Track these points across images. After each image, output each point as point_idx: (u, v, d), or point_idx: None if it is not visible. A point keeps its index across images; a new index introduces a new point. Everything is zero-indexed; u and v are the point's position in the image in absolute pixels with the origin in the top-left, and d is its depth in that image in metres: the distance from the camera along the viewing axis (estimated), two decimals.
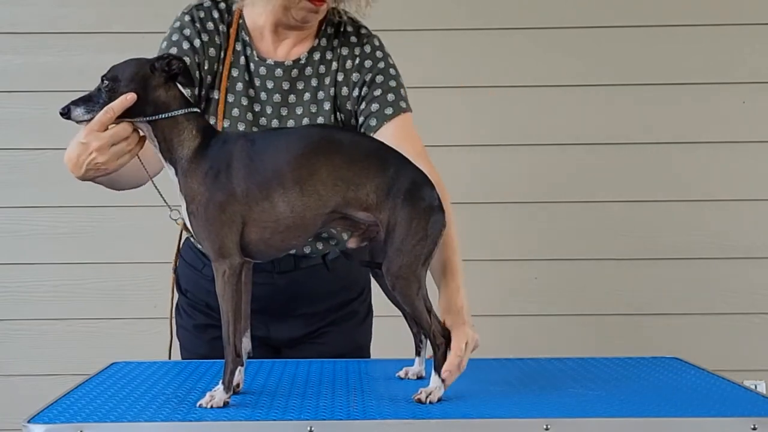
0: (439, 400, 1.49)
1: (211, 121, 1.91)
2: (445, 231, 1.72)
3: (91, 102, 1.50)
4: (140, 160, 1.60)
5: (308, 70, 1.96)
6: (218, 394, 1.46)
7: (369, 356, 2.14)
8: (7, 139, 3.08)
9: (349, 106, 1.95)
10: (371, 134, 1.91)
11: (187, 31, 1.92)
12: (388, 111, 1.92)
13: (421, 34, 3.06)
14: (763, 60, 3.10)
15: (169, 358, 2.04)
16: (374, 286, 2.17)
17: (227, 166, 1.48)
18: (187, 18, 1.93)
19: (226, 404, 1.45)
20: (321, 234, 1.96)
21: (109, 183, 1.76)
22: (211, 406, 1.44)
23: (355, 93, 1.94)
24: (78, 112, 1.50)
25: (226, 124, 1.91)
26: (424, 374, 1.66)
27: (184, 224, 1.62)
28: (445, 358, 1.51)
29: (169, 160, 1.51)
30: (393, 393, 1.56)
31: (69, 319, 3.10)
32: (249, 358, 1.61)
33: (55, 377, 3.01)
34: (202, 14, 1.94)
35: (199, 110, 1.54)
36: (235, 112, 1.92)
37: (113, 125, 1.52)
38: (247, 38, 1.95)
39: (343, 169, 1.50)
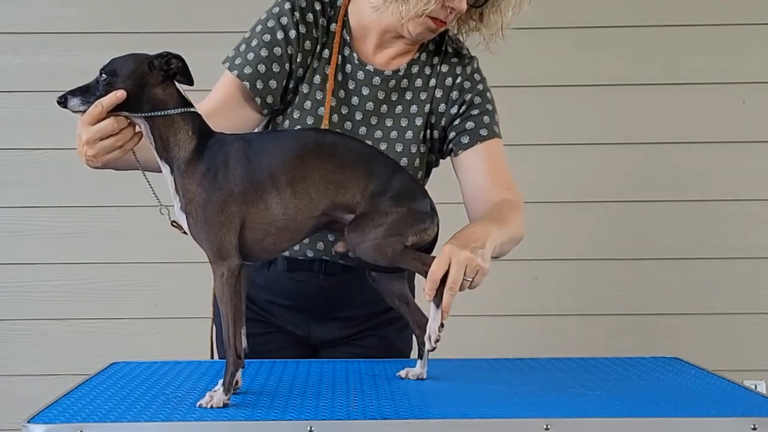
0: (441, 328, 1.52)
1: (296, 115, 1.89)
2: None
3: (88, 93, 1.50)
4: (135, 155, 1.59)
5: (404, 83, 1.93)
6: (217, 395, 1.46)
7: None
8: (7, 139, 3.08)
9: (443, 123, 1.94)
10: (461, 151, 1.92)
11: (284, 20, 1.86)
12: (483, 132, 1.92)
13: None
14: (763, 60, 3.10)
15: (211, 353, 2.02)
16: (419, 293, 2.16)
17: (225, 167, 1.48)
18: (287, 5, 1.86)
19: (225, 405, 1.45)
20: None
21: (139, 167, 1.66)
22: (211, 407, 1.44)
23: (453, 110, 1.93)
24: (74, 102, 1.50)
25: (310, 121, 1.88)
26: (425, 376, 1.66)
27: (172, 222, 1.62)
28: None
29: (164, 158, 1.51)
30: (393, 393, 1.56)
31: (69, 319, 3.10)
32: (246, 357, 1.60)
33: (55, 377, 3.01)
34: (303, 3, 1.87)
35: (196, 110, 1.54)
36: (321, 111, 1.88)
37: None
38: (348, 37, 1.91)
39: (334, 172, 1.51)
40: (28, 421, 1.38)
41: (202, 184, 1.48)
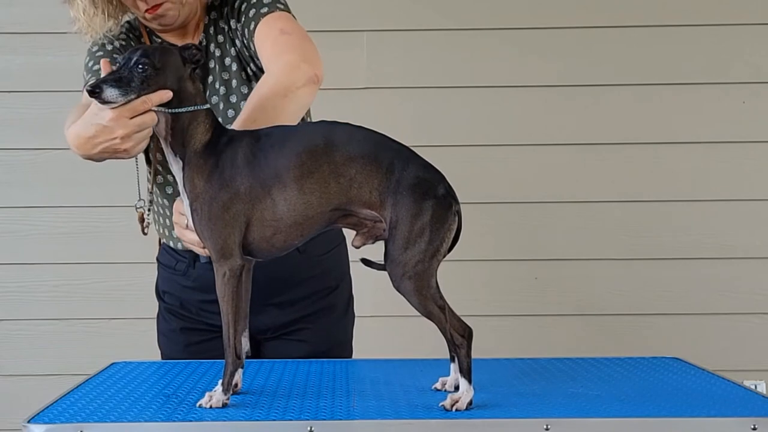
0: (470, 405, 1.44)
1: None
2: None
3: (124, 84, 1.46)
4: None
5: (211, 47, 1.99)
6: (216, 395, 1.46)
7: (351, 353, 2.13)
8: (7, 139, 3.08)
9: (237, 43, 1.96)
10: (253, 39, 1.89)
11: (101, 41, 1.98)
12: (263, 10, 1.90)
13: (423, 34, 3.06)
14: (763, 60, 3.10)
15: None
16: (355, 280, 2.15)
17: (232, 165, 1.47)
18: (95, 48, 1.99)
19: (224, 405, 1.45)
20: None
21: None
22: (210, 407, 1.44)
23: (233, 22, 1.96)
24: (112, 93, 1.46)
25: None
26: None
27: (141, 216, 1.62)
28: (469, 359, 1.45)
29: (179, 153, 1.50)
30: (393, 393, 1.56)
31: (69, 319, 3.10)
32: (247, 358, 1.61)
33: (55, 377, 3.02)
34: (111, 36, 1.99)
35: (210, 107, 1.54)
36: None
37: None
38: (159, 40, 2.02)
39: (344, 166, 1.46)
40: (28, 421, 1.38)
41: (209, 180, 1.47)
